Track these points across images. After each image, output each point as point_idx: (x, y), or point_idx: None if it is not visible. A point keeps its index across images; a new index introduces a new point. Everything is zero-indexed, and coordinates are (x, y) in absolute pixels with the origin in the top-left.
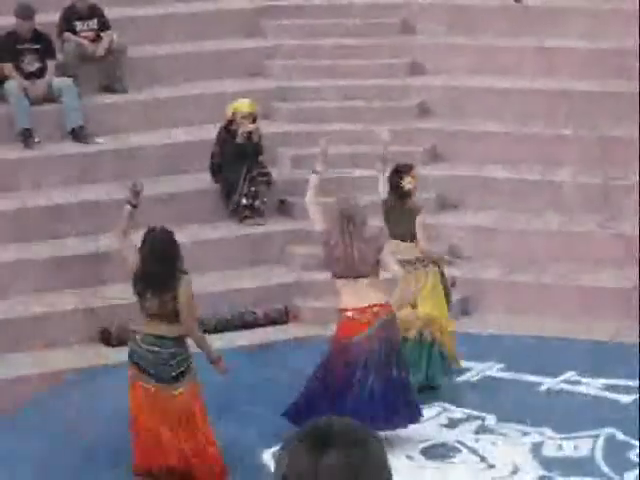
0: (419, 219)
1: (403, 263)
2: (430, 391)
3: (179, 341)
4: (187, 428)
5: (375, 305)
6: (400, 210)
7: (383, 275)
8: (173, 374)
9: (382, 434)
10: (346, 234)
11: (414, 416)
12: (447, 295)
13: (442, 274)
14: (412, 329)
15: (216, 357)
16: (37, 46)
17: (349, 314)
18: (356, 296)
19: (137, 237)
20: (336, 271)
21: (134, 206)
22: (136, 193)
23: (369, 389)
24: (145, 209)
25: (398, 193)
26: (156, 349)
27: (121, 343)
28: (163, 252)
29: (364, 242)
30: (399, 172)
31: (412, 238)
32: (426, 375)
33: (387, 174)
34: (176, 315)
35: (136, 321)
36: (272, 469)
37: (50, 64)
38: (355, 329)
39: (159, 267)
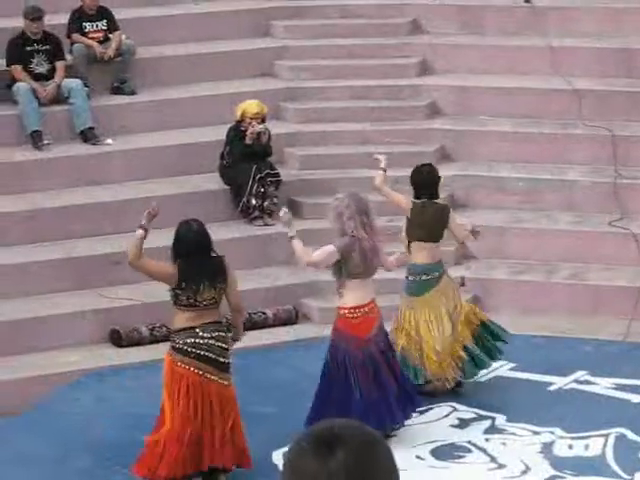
0: (452, 215)
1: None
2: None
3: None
4: (227, 413)
5: (372, 301)
6: (431, 210)
7: None
8: (229, 360)
9: (393, 433)
10: (366, 227)
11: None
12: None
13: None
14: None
15: (239, 338)
16: (46, 47)
17: (366, 309)
18: (365, 292)
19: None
20: (353, 268)
21: (146, 230)
22: (152, 217)
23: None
24: None
25: (434, 194)
26: (221, 334)
27: (130, 344)
28: (209, 242)
29: (376, 236)
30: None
31: (437, 239)
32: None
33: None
34: (221, 299)
35: (178, 321)
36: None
37: (59, 65)
38: (371, 323)
39: (211, 257)
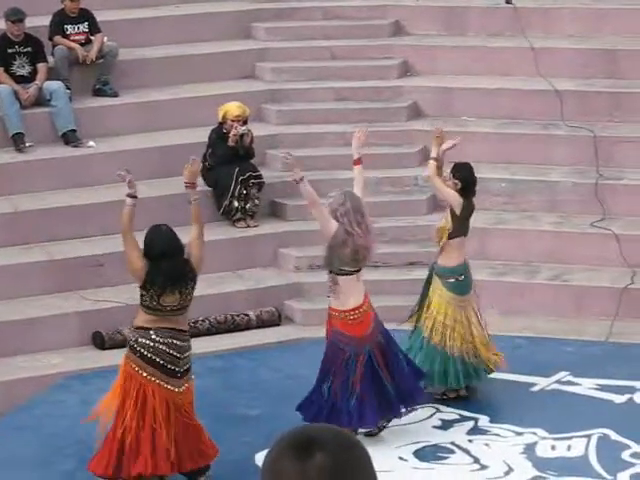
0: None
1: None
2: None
3: (188, 334)
4: (182, 421)
5: (366, 294)
6: (470, 208)
7: None
8: (185, 367)
9: (375, 434)
10: (361, 225)
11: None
12: None
13: None
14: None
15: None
16: (28, 50)
17: (363, 309)
18: (359, 292)
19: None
20: (344, 261)
21: (134, 196)
22: (133, 183)
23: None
24: (136, 212)
25: (473, 190)
26: (175, 342)
27: (113, 346)
28: (179, 248)
29: (370, 231)
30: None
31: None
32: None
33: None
34: (187, 306)
35: (140, 319)
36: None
37: (41, 68)
38: (368, 319)
39: (180, 263)
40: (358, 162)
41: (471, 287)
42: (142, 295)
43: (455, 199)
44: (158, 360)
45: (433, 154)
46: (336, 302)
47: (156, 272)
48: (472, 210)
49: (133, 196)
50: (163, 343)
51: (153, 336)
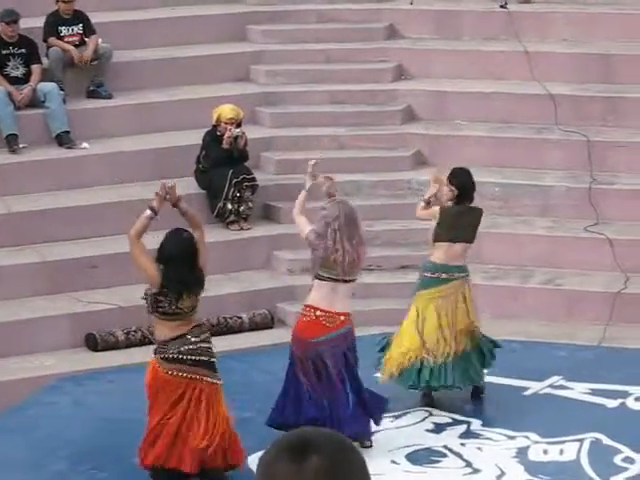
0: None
1: (453, 270)
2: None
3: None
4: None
5: (342, 314)
6: (466, 212)
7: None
8: (215, 359)
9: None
10: (349, 239)
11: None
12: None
13: None
14: (465, 338)
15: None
16: (22, 51)
17: (319, 313)
18: (330, 300)
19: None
20: (326, 274)
21: (155, 213)
22: (161, 198)
23: (348, 391)
24: (130, 214)
25: (471, 196)
26: (207, 335)
27: (106, 348)
28: (196, 253)
29: (362, 245)
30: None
31: (469, 242)
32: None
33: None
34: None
35: (163, 332)
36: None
37: (35, 69)
38: (320, 330)
39: (196, 269)
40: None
41: (438, 285)
42: (158, 301)
43: (432, 215)
44: (205, 359)
45: (426, 196)
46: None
47: (174, 277)
48: (464, 216)
49: (154, 210)
50: (202, 340)
51: (192, 339)
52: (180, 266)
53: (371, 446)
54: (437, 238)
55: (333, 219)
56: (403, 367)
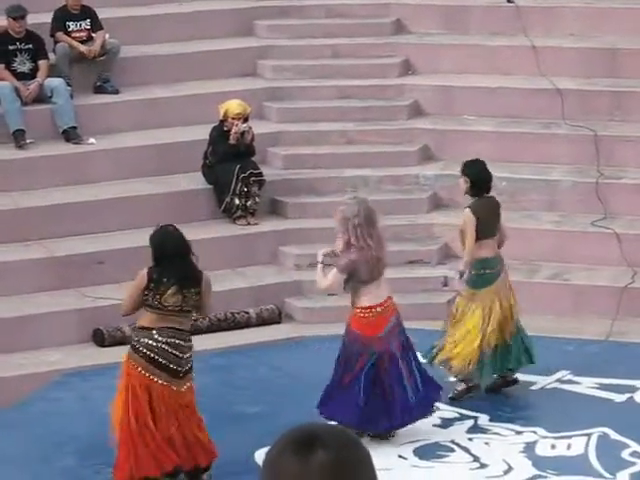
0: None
1: (497, 262)
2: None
3: (189, 334)
4: (186, 417)
5: (390, 298)
6: (492, 208)
7: None
8: (187, 367)
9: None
10: (373, 237)
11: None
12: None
13: None
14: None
15: None
16: (29, 46)
17: (379, 310)
18: (378, 294)
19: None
20: (362, 278)
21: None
22: None
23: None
24: (136, 209)
25: (487, 186)
26: (177, 342)
27: (113, 344)
28: (187, 248)
29: (382, 242)
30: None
31: (497, 233)
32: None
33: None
34: (191, 309)
35: (142, 319)
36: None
37: (42, 64)
38: (382, 322)
39: (188, 264)
40: None
41: (484, 285)
42: (145, 295)
43: (467, 222)
44: (161, 360)
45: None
46: (354, 300)
47: (160, 273)
48: (487, 209)
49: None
50: (165, 343)
51: (156, 336)
52: (170, 262)
53: (393, 436)
54: (479, 236)
55: (354, 215)
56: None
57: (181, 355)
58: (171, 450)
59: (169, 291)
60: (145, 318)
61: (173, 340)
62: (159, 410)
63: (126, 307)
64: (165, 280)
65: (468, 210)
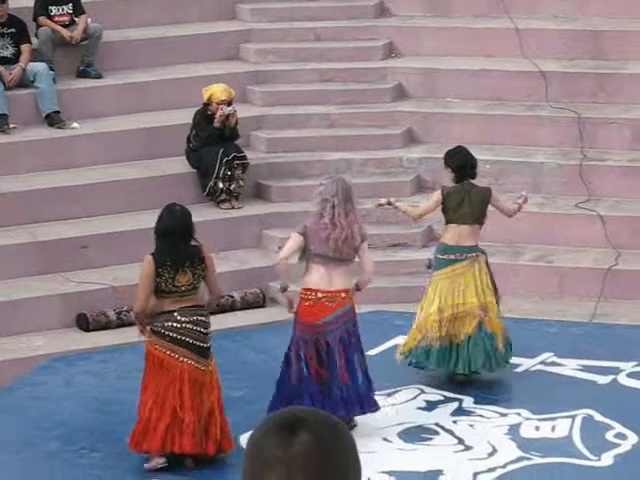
0: (494, 195)
1: (461, 250)
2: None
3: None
4: (211, 398)
5: (342, 291)
6: (470, 192)
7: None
8: (210, 343)
9: (361, 415)
10: (342, 215)
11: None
12: (493, 282)
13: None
14: (472, 323)
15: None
16: (11, 31)
17: (320, 295)
18: (329, 279)
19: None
20: (320, 252)
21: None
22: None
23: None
24: (120, 194)
25: (469, 172)
26: (200, 318)
27: (97, 328)
28: (188, 228)
29: (357, 223)
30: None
31: (476, 222)
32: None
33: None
34: (200, 285)
35: (159, 305)
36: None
37: (25, 49)
38: (323, 311)
39: (189, 241)
40: None
41: (437, 268)
42: (157, 283)
43: (434, 203)
44: (188, 340)
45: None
46: (303, 279)
47: (165, 255)
48: (468, 196)
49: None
50: (189, 322)
51: (178, 317)
52: (172, 242)
53: (355, 426)
54: (446, 219)
55: (331, 195)
56: (411, 346)
57: (205, 331)
58: (186, 435)
59: (179, 271)
60: (160, 303)
61: (196, 317)
62: (188, 392)
63: (140, 300)
64: (171, 262)
65: (439, 190)
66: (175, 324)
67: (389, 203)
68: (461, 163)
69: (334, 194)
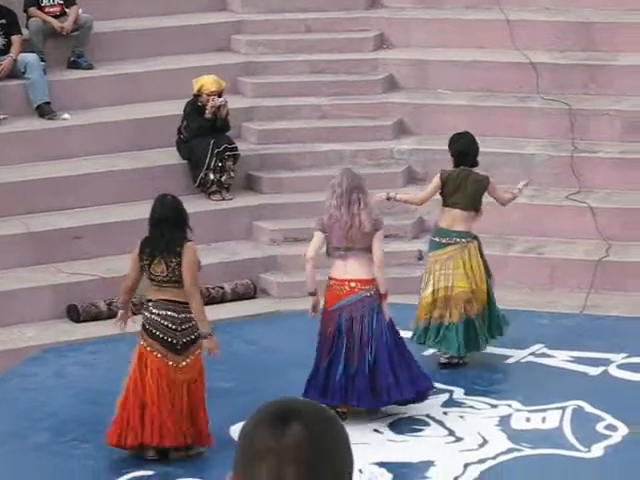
0: (492, 184)
1: (451, 234)
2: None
3: (189, 307)
4: (187, 396)
5: (352, 280)
6: (467, 179)
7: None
8: (184, 340)
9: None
10: (354, 204)
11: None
12: (487, 269)
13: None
14: (459, 307)
15: (208, 333)
16: (2, 21)
17: (331, 283)
18: (345, 269)
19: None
20: (334, 243)
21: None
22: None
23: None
24: (111, 185)
25: (469, 160)
26: (169, 313)
27: (88, 319)
28: (177, 218)
29: (367, 212)
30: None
31: (470, 209)
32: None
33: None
34: (176, 279)
35: (147, 291)
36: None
37: (15, 40)
38: (336, 298)
39: (171, 232)
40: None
41: (430, 249)
42: (141, 265)
43: (433, 188)
44: (155, 332)
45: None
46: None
47: (147, 242)
48: (464, 182)
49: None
50: (158, 315)
51: (151, 308)
52: (157, 231)
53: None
54: (442, 203)
55: (337, 185)
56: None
57: (174, 327)
58: (151, 427)
59: (155, 260)
60: (148, 290)
61: (165, 312)
62: (155, 384)
63: (126, 279)
64: (150, 248)
65: (439, 174)
66: (147, 314)
67: (388, 198)
68: (461, 148)
69: (339, 184)
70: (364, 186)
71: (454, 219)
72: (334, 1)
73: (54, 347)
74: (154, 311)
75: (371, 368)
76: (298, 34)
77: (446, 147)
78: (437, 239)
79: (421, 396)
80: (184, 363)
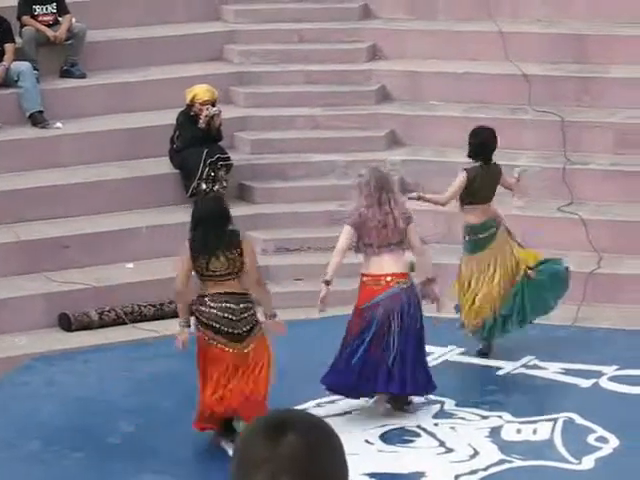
0: (503, 174)
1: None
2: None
3: (247, 296)
4: (252, 374)
5: (388, 274)
6: (487, 175)
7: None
8: (245, 329)
9: (344, 417)
10: (385, 203)
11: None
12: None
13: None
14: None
15: (273, 313)
16: None
17: (365, 279)
18: (380, 265)
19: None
20: (369, 242)
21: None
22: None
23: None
24: (103, 194)
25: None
26: (229, 305)
27: (80, 328)
28: (228, 212)
29: (399, 209)
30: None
31: (491, 200)
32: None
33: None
34: (240, 271)
35: (201, 286)
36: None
37: (8, 48)
38: (370, 294)
39: (225, 227)
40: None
41: (482, 248)
42: (194, 265)
43: (458, 187)
44: (215, 325)
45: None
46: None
47: (199, 241)
48: (483, 179)
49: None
50: (216, 308)
51: (208, 302)
52: (205, 229)
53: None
54: (467, 201)
55: (365, 184)
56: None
57: (234, 318)
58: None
59: (213, 257)
60: (202, 286)
61: (224, 304)
62: (215, 371)
63: (176, 282)
64: (204, 247)
65: (464, 172)
66: (204, 308)
67: (419, 197)
68: (483, 140)
69: (367, 183)
70: (392, 183)
71: (484, 212)
72: (327, 12)
73: (45, 356)
74: (211, 304)
75: (395, 359)
76: (291, 44)
77: (437, 158)
78: (480, 236)
79: (420, 392)
80: (250, 348)
